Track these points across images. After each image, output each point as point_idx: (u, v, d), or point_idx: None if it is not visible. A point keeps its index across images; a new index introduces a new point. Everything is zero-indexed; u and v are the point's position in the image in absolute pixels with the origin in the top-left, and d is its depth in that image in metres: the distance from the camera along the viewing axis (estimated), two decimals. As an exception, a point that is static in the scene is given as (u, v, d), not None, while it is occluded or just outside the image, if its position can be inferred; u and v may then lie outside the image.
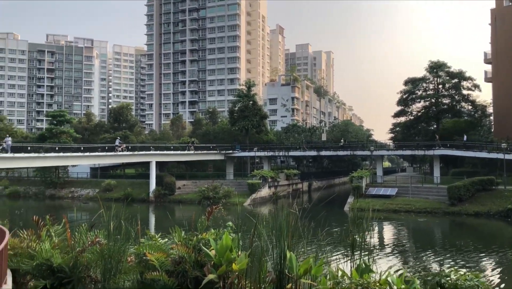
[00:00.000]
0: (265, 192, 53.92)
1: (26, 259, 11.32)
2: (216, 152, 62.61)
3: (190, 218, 14.57)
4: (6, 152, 35.65)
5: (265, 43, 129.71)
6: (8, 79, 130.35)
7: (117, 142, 53.29)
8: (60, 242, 12.00)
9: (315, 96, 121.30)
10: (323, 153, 62.15)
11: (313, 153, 63.13)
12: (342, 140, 61.57)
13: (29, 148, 43.49)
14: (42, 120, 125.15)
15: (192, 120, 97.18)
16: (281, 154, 64.04)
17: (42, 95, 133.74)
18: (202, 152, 61.25)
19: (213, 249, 8.87)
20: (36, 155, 42.07)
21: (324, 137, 71.45)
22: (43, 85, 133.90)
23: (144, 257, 10.02)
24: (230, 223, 10.58)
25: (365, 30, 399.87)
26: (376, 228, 31.22)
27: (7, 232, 11.59)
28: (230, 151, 63.50)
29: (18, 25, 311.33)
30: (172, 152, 57.69)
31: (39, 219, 12.71)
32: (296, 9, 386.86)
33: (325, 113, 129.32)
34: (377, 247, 25.52)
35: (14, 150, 41.53)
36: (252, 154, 63.81)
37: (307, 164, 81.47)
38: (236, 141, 66.32)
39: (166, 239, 11.35)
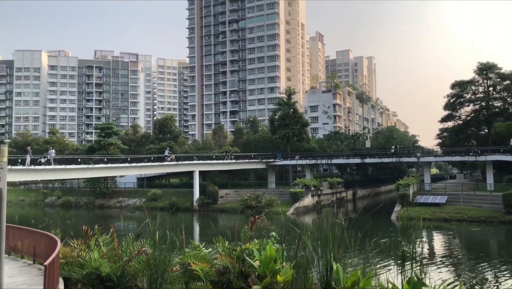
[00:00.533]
0: (308, 201, 53.27)
1: (76, 267, 11.70)
2: (257, 160, 62.71)
3: (233, 227, 14.53)
4: (50, 164, 37.06)
5: (305, 50, 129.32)
6: (60, 94, 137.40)
7: (166, 152, 54.96)
8: (108, 251, 12.32)
9: (357, 102, 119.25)
10: (368, 160, 60.72)
11: (357, 160, 61.82)
12: (393, 147, 59.80)
13: (79, 160, 45.43)
14: (91, 132, 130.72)
15: (233, 129, 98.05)
16: (323, 161, 63.18)
17: (91, 109, 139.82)
18: (244, 160, 61.49)
19: (257, 260, 8.75)
20: (86, 166, 43.84)
21: (368, 144, 69.85)
22: (92, 99, 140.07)
23: (189, 267, 10.06)
24: (273, 233, 10.42)
25: (409, 33, 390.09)
26: (426, 238, 29.94)
27: (59, 241, 12.05)
28: (272, 160, 63.40)
29: (69, 43, 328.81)
30: (214, 161, 58.37)
31: (88, 229, 13.14)
32: (335, 16, 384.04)
33: (368, 119, 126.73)
34: (428, 258, 24.44)
35: (66, 161, 43.55)
36: (293, 162, 63.38)
37: (351, 171, 79.89)
38: (277, 150, 66.15)
39: (210, 249, 11.36)
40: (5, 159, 10.96)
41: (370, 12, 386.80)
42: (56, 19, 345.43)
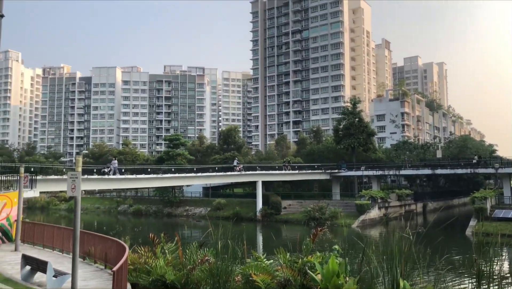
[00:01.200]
0: (374, 213, 51.40)
1: (143, 274, 12.15)
2: (321, 171, 61.81)
3: (295, 239, 14.29)
4: (115, 173, 38.67)
5: (371, 58, 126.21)
6: (133, 108, 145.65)
7: (235, 162, 56.37)
8: (173, 259, 12.67)
9: (427, 110, 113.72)
10: (439, 171, 57.44)
11: (427, 171, 58.73)
12: (476, 157, 56.23)
13: (149, 170, 47.65)
14: (161, 144, 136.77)
15: (296, 139, 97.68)
16: (391, 172, 60.76)
17: (161, 121, 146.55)
18: (307, 171, 60.91)
19: (319, 273, 8.50)
20: (155, 176, 45.84)
21: (439, 154, 66.11)
22: (162, 112, 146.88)
23: (250, 278, 10.04)
24: (336, 246, 10.10)
25: (483, 36, 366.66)
26: (506, 256, 27.53)
27: (127, 248, 12.59)
28: (336, 170, 62.15)
29: (141, 59, 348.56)
30: (277, 172, 58.40)
31: (155, 237, 13.62)
32: (402, 22, 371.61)
33: (439, 128, 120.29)
34: (509, 278, 22.41)
35: (137, 171, 45.86)
36: (359, 173, 61.63)
37: (421, 183, 76.00)
38: (342, 160, 64.76)
39: (272, 260, 11.26)
40: (80, 169, 11.69)
41: (440, 17, 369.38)
42: (130, 37, 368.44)
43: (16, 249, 18.59)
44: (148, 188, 69.01)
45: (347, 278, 8.19)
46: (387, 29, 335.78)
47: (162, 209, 66.25)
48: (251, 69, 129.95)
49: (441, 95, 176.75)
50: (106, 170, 37.73)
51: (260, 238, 43.09)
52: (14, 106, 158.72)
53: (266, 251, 15.12)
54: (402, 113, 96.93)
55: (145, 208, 68.93)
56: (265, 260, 11.08)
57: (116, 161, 41.44)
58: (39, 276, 13.23)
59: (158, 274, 11.45)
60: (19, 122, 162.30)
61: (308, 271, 9.14)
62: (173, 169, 50.37)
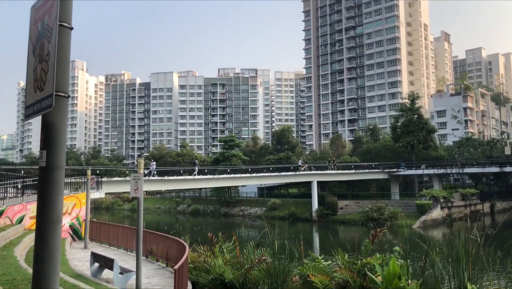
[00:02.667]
0: (436, 213, 49.15)
1: (203, 272, 12.46)
2: (378, 170, 60.08)
3: (353, 239, 14.02)
4: (154, 175, 39.26)
5: (429, 52, 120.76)
6: (189, 111, 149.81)
7: (300, 162, 56.77)
8: (231, 258, 12.89)
9: (493, 104, 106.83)
10: (508, 168, 53.82)
11: (494, 169, 55.24)
12: None
13: (206, 171, 48.82)
14: (216, 145, 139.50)
15: (352, 138, 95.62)
16: (454, 171, 57.77)
17: (216, 123, 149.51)
18: (364, 170, 59.45)
19: (379, 275, 8.28)
20: (211, 176, 46.92)
21: (507, 150, 61.90)
22: (217, 114, 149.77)
23: (308, 279, 9.97)
24: (397, 248, 9.80)
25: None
26: None
27: (187, 247, 12.99)
28: (395, 169, 60.12)
29: (196, 63, 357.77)
30: (332, 172, 57.51)
31: (213, 236, 13.92)
32: (463, 13, 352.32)
33: (507, 123, 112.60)
34: None
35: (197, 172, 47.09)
36: (419, 171, 59.21)
37: (488, 182, 71.57)
38: (401, 159, 62.50)
39: (330, 261, 11.11)
40: (142, 171, 12.21)
41: (504, 4, 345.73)
42: (185, 43, 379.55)
43: (85, 247, 19.77)
44: (205, 188, 70.62)
45: (409, 281, 7.90)
46: (447, 21, 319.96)
47: (219, 208, 67.54)
48: (303, 68, 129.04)
49: (509, 88, 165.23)
50: (145, 172, 38.55)
51: (316, 239, 42.68)
52: (80, 113, 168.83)
53: (323, 251, 14.94)
54: (465, 109, 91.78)
55: (203, 207, 70.61)
56: (322, 260, 10.96)
57: (154, 163, 42.56)
58: (106, 273, 13.98)
59: (217, 273, 11.68)
60: (85, 127, 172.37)
61: (368, 272, 8.93)
62: (228, 170, 51.25)
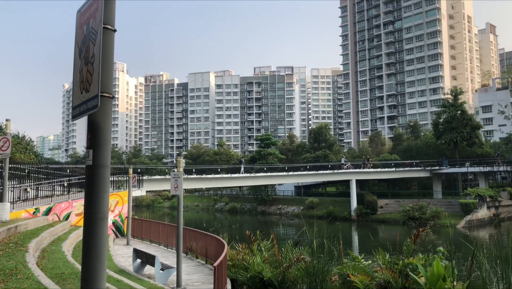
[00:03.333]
0: (483, 213, 47.18)
1: (241, 270, 12.54)
2: (420, 168, 58.36)
3: (394, 239, 13.68)
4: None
5: (473, 45, 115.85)
6: (226, 110, 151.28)
7: (342, 160, 56.32)
8: (269, 257, 12.91)
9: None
10: (560, 166, 50.90)
11: (545, 167, 52.37)
12: None
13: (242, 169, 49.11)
14: (252, 144, 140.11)
15: (392, 135, 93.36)
16: (501, 168, 55.20)
17: (252, 122, 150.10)
18: (404, 168, 57.93)
19: (422, 276, 8.05)
20: (248, 175, 47.15)
21: (560, 147, 58.51)
22: (253, 113, 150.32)
23: (348, 278, 9.83)
24: (441, 248, 9.51)
25: None
26: None
27: (226, 244, 13.12)
28: (437, 167, 58.18)
29: (233, 63, 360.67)
30: (372, 170, 56.39)
31: (251, 234, 13.99)
32: (509, 3, 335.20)
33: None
34: None
35: (232, 171, 47.57)
36: (463, 169, 56.98)
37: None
38: (443, 156, 60.37)
39: (370, 261, 10.90)
40: (181, 169, 12.43)
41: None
42: (221, 42, 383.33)
43: (127, 243, 20.38)
44: (242, 186, 71.12)
45: (455, 283, 7.62)
46: (492, 12, 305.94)
47: (256, 207, 67.80)
48: (341, 64, 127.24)
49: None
50: (175, 170, 38.83)
51: (355, 238, 42.02)
52: (122, 113, 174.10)
53: (362, 251, 14.69)
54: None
55: (240, 206, 71.13)
56: (362, 260, 10.77)
57: (184, 161, 42.73)
58: (148, 269, 14.35)
59: (256, 271, 11.71)
60: (126, 127, 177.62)
61: (410, 273, 8.69)
62: (265, 168, 51.35)
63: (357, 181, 55.23)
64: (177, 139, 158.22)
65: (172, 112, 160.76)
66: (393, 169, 57.35)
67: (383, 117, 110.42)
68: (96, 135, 2.77)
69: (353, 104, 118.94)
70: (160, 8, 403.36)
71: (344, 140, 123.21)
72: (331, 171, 53.48)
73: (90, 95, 2.77)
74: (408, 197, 56.70)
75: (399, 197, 57.11)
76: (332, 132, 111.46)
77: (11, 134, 15.37)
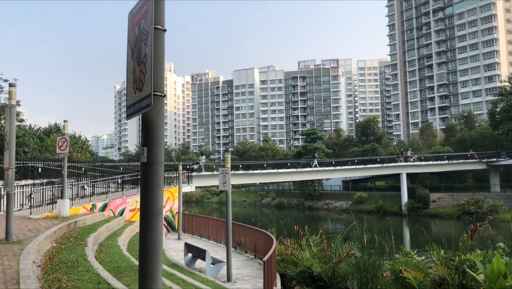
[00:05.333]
0: (546, 207, 44.29)
1: (290, 265, 12.55)
2: (475, 160, 55.63)
3: (448, 234, 13.15)
4: (201, 170, 38.33)
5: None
6: (270, 106, 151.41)
7: (409, 153, 54.97)
8: (318, 252, 12.81)
9: None
10: None
11: None
12: None
13: (288, 164, 49.08)
14: (298, 138, 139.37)
15: (444, 127, 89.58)
16: None
17: (297, 116, 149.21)
18: (458, 161, 55.48)
19: (481, 273, 7.69)
20: (294, 170, 47.02)
21: None
22: (298, 108, 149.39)
23: (400, 274, 9.56)
24: (501, 244, 9.06)
25: None
26: None
27: (274, 239, 13.17)
28: (494, 159, 55.23)
29: (277, 58, 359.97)
30: (423, 163, 54.44)
31: (299, 229, 13.94)
32: None
33: None
34: None
35: (278, 166, 47.66)
36: (523, 161, 53.76)
37: None
38: (501, 148, 57.18)
39: (423, 257, 10.55)
40: (229, 165, 12.59)
41: None
42: (264, 38, 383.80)
43: (178, 238, 20.97)
44: (289, 181, 70.99)
45: (518, 281, 7.21)
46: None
47: (303, 202, 67.50)
48: (388, 55, 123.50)
49: None
50: (195, 167, 38.34)
51: (407, 233, 40.82)
52: (170, 112, 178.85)
53: (414, 246, 14.24)
54: None
55: (287, 201, 71.09)
56: (415, 256, 10.44)
57: (203, 157, 42.06)
58: (199, 263, 14.70)
59: (305, 266, 11.66)
60: (175, 125, 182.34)
61: (468, 270, 8.33)
62: (311, 163, 50.95)
63: (407, 174, 53.56)
64: (223, 136, 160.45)
65: (218, 109, 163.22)
66: (446, 162, 55.09)
67: (434, 108, 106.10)
68: (150, 133, 2.86)
69: (402, 95, 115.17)
70: (203, 8, 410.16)
71: (393, 133, 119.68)
72: (380, 165, 52.18)
73: (143, 95, 2.85)
74: (462, 190, 54.30)
75: (453, 191, 54.85)
76: (380, 125, 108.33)
77: (69, 135, 16.22)
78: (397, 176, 55.12)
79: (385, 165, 52.33)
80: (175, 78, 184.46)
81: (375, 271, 10.62)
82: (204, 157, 41.71)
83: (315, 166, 47.58)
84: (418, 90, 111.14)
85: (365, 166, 52.01)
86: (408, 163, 53.46)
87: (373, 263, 10.68)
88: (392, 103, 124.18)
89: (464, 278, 8.68)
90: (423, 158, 56.24)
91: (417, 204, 50.56)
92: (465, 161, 55.57)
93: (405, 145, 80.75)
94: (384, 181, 68.80)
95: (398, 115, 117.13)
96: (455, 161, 55.41)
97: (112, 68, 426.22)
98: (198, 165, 38.76)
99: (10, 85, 10.33)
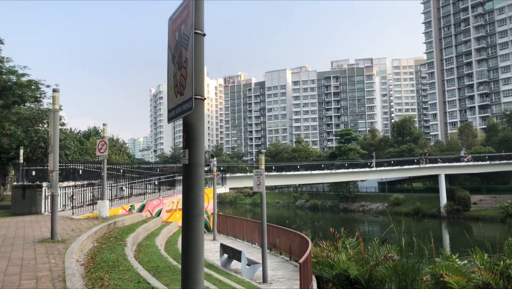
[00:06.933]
0: None
1: (326, 267, 12.43)
2: (520, 161, 53.33)
3: (492, 238, 12.67)
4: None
5: None
6: (303, 106, 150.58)
7: (462, 153, 54.14)
8: (354, 254, 12.63)
9: None
10: None
11: None
12: None
13: (322, 166, 48.62)
14: (331, 139, 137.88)
15: (485, 126, 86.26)
16: None
17: (330, 117, 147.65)
18: (501, 162, 53.26)
19: (529, 279, 7.36)
20: (328, 171, 46.54)
21: None
22: (331, 108, 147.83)
23: (441, 279, 9.29)
24: (550, 249, 8.63)
25: None
26: None
27: (310, 241, 13.08)
28: (540, 159, 52.77)
29: (309, 58, 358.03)
30: (462, 164, 52.64)
31: (335, 231, 13.80)
32: None
33: None
34: None
35: (311, 167, 47.29)
36: None
37: None
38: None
39: (465, 261, 10.21)
40: (263, 166, 12.63)
41: None
42: (296, 39, 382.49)
43: (214, 239, 21.19)
44: (323, 183, 70.35)
45: None
46: None
47: (337, 204, 66.70)
48: (424, 53, 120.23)
49: None
50: (206, 169, 37.90)
51: (446, 236, 39.58)
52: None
53: (455, 250, 13.79)
54: None
55: (321, 202, 70.44)
56: (457, 260, 10.12)
57: (214, 159, 41.67)
58: (234, 264, 14.80)
59: (341, 269, 11.53)
60: (208, 127, 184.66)
61: (514, 275, 8.01)
62: (346, 164, 50.29)
63: (446, 175, 51.93)
64: (256, 138, 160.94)
65: (250, 111, 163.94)
66: (488, 162, 53.04)
67: (474, 107, 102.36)
68: (191, 136, 2.91)
69: (439, 94, 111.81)
70: (234, 9, 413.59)
71: (430, 133, 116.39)
72: (417, 166, 50.86)
73: (185, 98, 2.91)
74: (506, 192, 52.04)
75: (495, 192, 52.69)
76: (416, 125, 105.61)
77: (107, 138, 16.75)
78: (435, 177, 53.53)
79: (422, 165, 50.94)
80: (208, 81, 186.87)
81: (414, 274, 10.37)
82: (215, 159, 41.91)
83: (372, 166, 47.99)
84: (456, 88, 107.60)
85: (401, 167, 50.82)
86: (446, 164, 51.86)
87: (412, 267, 10.44)
88: (429, 102, 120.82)
89: (509, 283, 8.35)
90: (424, 160, 53.17)
91: (456, 206, 48.96)
92: (508, 161, 53.30)
93: (443, 145, 78.33)
94: (422, 182, 66.94)
95: (435, 114, 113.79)
96: (498, 162, 53.26)
97: (147, 71, 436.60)
98: (209, 168, 39.01)
99: (54, 90, 10.77)
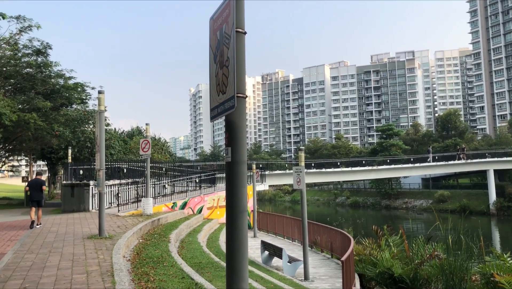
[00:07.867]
0: None
1: (369, 265, 12.21)
2: None
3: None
4: None
5: None
6: (342, 102, 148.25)
7: None
8: (398, 252, 12.34)
9: None
10: None
11: None
12: None
13: (363, 162, 47.73)
14: (372, 135, 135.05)
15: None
16: None
17: (371, 112, 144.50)
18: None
19: None
20: (370, 168, 45.61)
21: None
22: (371, 103, 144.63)
23: (492, 278, 8.92)
24: None
25: None
26: None
27: (352, 239, 12.89)
28: None
29: (348, 53, 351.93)
30: (513, 158, 50.13)
31: (377, 229, 13.53)
32: None
33: None
34: None
35: (352, 164, 46.56)
36: None
37: None
38: None
39: (518, 261, 9.73)
40: (303, 163, 12.55)
41: None
42: (335, 34, 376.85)
43: (254, 236, 21.32)
44: (364, 180, 69.10)
45: None
46: None
47: (379, 201, 65.34)
48: (470, 44, 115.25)
49: None
50: None
51: (496, 234, 37.84)
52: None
53: (506, 249, 13.17)
54: None
55: (362, 200, 69.23)
56: (508, 259, 9.67)
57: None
58: (275, 261, 14.83)
59: (385, 267, 11.30)
60: (247, 125, 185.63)
61: None
62: (388, 160, 49.12)
63: (495, 171, 49.60)
64: (294, 134, 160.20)
65: (288, 108, 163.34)
66: (463, 161, 50.08)
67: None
68: (234, 134, 2.94)
69: (486, 86, 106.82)
70: (271, 7, 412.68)
71: (477, 127, 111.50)
72: (463, 161, 48.90)
73: (227, 97, 2.94)
74: (561, 188, 49.15)
75: (550, 189, 49.81)
76: (462, 119, 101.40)
77: (150, 137, 17.20)
78: (483, 173, 51.31)
79: (469, 161, 48.94)
80: (246, 79, 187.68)
81: (462, 274, 10.00)
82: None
83: (429, 160, 47.53)
84: (505, 79, 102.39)
85: (446, 163, 49.04)
86: (495, 159, 49.55)
87: (460, 266, 10.07)
88: (475, 95, 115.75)
89: None
90: (462, 155, 50.60)
91: (507, 202, 46.77)
92: None
93: (492, 139, 74.84)
94: (468, 178, 64.30)
95: (482, 107, 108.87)
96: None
97: (186, 71, 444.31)
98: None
99: (99, 92, 11.19)
